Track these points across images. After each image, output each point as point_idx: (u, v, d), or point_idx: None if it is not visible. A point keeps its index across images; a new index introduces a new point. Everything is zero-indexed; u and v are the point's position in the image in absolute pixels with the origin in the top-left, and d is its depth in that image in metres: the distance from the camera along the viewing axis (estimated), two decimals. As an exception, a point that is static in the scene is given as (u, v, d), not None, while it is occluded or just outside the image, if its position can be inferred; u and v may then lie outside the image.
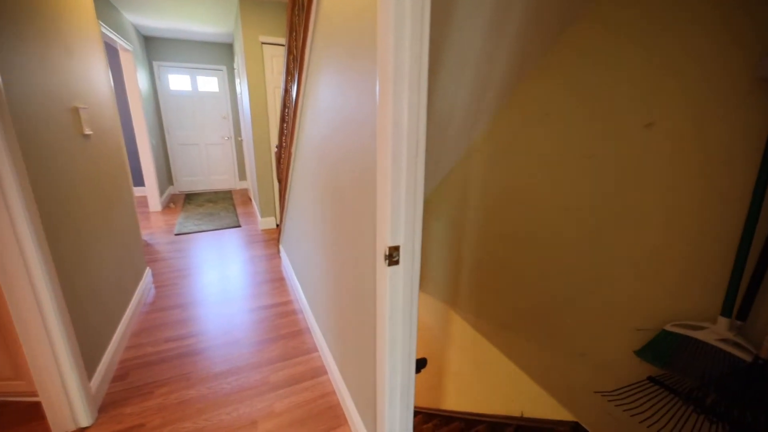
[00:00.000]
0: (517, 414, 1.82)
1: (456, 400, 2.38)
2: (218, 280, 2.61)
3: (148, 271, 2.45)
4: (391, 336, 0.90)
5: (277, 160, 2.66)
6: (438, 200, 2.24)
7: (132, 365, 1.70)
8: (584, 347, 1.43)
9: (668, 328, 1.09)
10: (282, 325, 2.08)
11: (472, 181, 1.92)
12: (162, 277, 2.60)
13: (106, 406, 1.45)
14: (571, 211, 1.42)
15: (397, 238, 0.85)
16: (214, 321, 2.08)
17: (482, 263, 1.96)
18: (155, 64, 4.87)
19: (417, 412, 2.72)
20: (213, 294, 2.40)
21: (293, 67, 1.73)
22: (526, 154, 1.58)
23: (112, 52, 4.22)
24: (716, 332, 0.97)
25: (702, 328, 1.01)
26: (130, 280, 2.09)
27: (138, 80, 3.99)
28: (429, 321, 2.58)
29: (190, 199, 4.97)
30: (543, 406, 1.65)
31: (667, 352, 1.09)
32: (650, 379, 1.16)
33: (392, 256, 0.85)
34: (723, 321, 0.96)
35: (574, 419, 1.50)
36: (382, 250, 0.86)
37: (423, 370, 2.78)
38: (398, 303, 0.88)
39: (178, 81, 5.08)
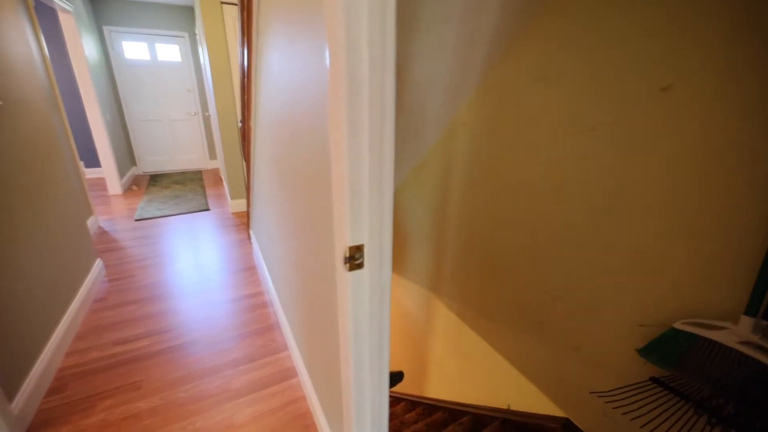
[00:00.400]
0: (503, 406, 1.72)
1: (440, 388, 2.29)
2: (181, 271, 2.37)
3: (98, 263, 2.19)
4: (357, 354, 0.72)
5: (242, 137, 2.39)
6: (419, 179, 2.04)
7: (73, 374, 1.49)
8: (578, 341, 1.31)
9: (678, 326, 0.95)
10: (250, 320, 1.89)
11: (457, 157, 1.72)
12: (117, 269, 2.35)
13: (37, 427, 1.25)
14: (568, 191, 1.25)
15: (360, 235, 0.65)
16: (173, 318, 1.88)
17: (467, 248, 1.80)
18: (106, 29, 4.36)
19: (400, 399, 2.63)
20: (174, 287, 2.18)
21: (246, 25, 1.45)
22: (518, 127, 1.39)
23: (47, 13, 3.71)
24: (738, 334, 0.84)
25: (719, 328, 0.87)
26: (74, 274, 1.84)
27: (84, 47, 3.53)
28: (411, 307, 2.45)
29: (155, 180, 4.61)
30: (531, 401, 1.55)
31: (675, 353, 0.96)
32: (654, 380, 1.03)
33: (354, 258, 0.66)
34: (747, 321, 0.82)
35: (565, 416, 1.40)
36: (341, 251, 0.66)
37: (407, 356, 2.68)
38: (364, 315, 0.70)
39: (134, 49, 4.58)
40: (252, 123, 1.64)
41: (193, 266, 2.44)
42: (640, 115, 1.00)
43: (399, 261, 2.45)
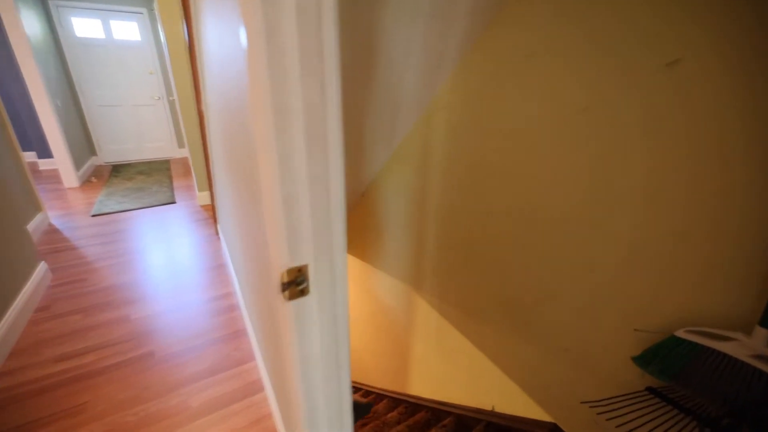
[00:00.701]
0: (488, 408, 1.63)
1: (422, 386, 2.20)
2: (139, 273, 2.17)
3: (41, 267, 1.96)
4: (308, 399, 0.57)
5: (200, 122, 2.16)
6: (398, 166, 1.89)
7: (2, 400, 1.30)
8: (568, 343, 1.21)
9: (680, 334, 0.85)
10: (215, 326, 1.72)
11: (437, 143, 1.57)
12: (65, 273, 2.12)
13: (-48, 468, 1.08)
14: (560, 180, 1.12)
15: (301, 253, 0.50)
16: (126, 327, 1.69)
17: (449, 242, 1.67)
18: (52, 3, 3.93)
19: (382, 397, 2.55)
20: (130, 291, 1.98)
21: (187, -11, 1.23)
22: (502, 110, 1.24)
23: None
24: (750, 346, 0.74)
25: (729, 338, 0.77)
26: (7, 281, 1.63)
27: (23, 23, 3.15)
28: (389, 302, 2.33)
29: (117, 171, 4.28)
30: (517, 403, 1.46)
31: (677, 365, 0.86)
32: (651, 390, 0.94)
33: (296, 284, 0.50)
34: (761, 333, 0.72)
35: (552, 421, 1.32)
36: (276, 275, 0.51)
37: (388, 351, 2.58)
38: (314, 356, 0.55)
39: (86, 26, 4.17)
40: (203, 107, 1.44)
41: (153, 267, 2.24)
42: (642, 93, 0.87)
43: (377, 254, 2.31)
